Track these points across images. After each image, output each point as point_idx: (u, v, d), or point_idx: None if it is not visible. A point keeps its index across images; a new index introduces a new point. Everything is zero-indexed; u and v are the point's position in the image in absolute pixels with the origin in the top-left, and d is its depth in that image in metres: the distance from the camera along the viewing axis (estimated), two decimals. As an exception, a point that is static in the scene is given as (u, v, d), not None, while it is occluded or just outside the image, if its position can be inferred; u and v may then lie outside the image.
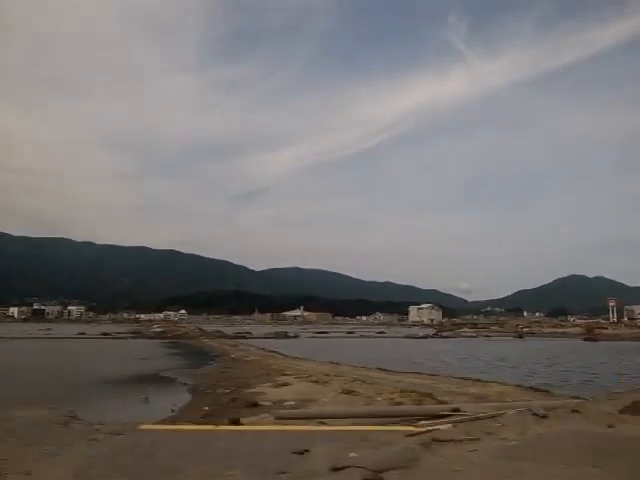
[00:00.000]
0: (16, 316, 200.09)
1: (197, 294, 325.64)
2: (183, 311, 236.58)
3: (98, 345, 58.83)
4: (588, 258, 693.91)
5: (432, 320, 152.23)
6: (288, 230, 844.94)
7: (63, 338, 68.00)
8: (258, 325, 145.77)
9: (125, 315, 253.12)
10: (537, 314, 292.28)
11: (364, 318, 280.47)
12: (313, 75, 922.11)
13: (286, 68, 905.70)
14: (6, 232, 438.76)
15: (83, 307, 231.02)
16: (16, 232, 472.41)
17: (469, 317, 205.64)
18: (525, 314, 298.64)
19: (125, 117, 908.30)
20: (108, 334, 76.40)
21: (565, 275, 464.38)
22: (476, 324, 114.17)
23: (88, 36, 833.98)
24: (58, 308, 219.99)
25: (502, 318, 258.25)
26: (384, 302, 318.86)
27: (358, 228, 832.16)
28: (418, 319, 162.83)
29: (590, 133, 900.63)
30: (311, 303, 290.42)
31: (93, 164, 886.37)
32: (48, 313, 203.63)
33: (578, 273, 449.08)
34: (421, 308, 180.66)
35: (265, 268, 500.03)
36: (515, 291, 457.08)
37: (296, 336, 79.47)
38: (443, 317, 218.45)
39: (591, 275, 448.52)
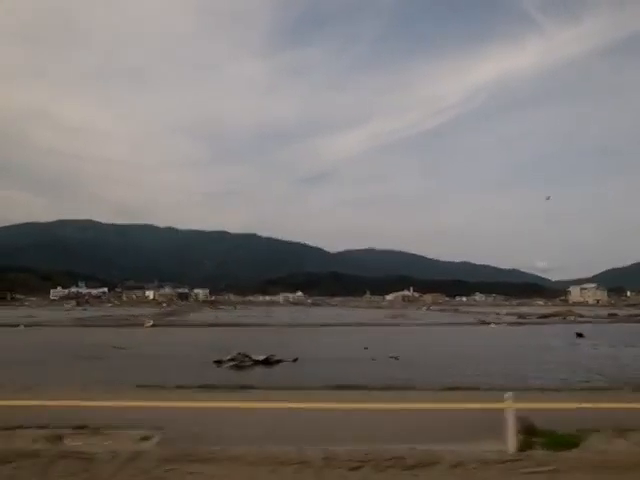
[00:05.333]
0: (151, 297, 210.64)
1: (290, 276, 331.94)
2: (300, 293, 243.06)
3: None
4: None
5: (598, 301, 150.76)
6: (359, 211, 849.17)
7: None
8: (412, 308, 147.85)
9: (232, 297, 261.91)
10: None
11: (464, 299, 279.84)
12: (380, 54, 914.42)
13: (353, 48, 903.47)
14: (98, 220, 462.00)
15: (207, 290, 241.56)
16: (105, 220, 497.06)
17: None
18: (628, 294, 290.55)
19: (198, 105, 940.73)
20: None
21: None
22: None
23: (162, 29, 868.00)
24: (186, 291, 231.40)
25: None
26: (480, 282, 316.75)
27: (430, 208, 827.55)
28: (582, 299, 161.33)
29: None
30: (405, 283, 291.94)
31: (170, 152, 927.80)
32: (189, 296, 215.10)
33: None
34: (585, 288, 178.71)
35: (340, 250, 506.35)
36: (603, 269, 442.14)
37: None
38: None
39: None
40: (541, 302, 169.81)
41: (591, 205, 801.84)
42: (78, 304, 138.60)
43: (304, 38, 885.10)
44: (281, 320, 62.78)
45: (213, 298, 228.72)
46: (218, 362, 20.12)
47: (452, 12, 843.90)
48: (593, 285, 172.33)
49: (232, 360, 19.79)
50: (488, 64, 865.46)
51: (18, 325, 42.43)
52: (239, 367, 19.50)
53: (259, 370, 19.39)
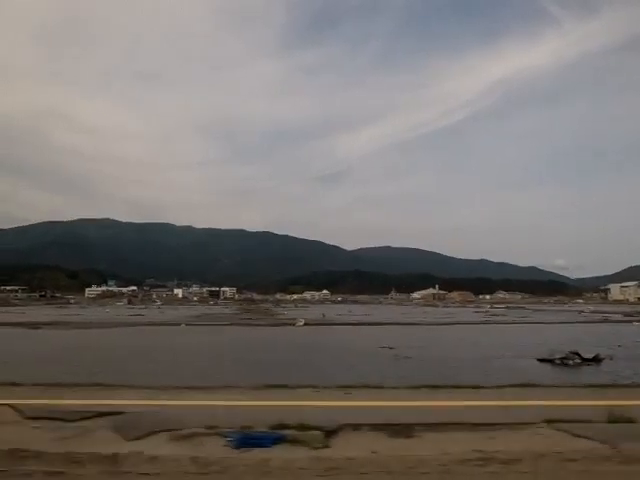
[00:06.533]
0: (180, 296, 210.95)
1: (312, 274, 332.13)
2: (325, 291, 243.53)
3: None
4: None
5: (639, 299, 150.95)
6: (375, 209, 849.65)
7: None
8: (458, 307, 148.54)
9: (255, 295, 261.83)
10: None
11: (487, 297, 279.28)
12: (396, 52, 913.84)
13: (367, 47, 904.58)
14: (116, 219, 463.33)
15: (235, 288, 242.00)
16: (124, 218, 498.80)
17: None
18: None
19: (214, 105, 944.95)
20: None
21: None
22: None
23: (179, 29, 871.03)
24: (217, 289, 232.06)
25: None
26: (502, 280, 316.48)
27: (446, 205, 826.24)
28: (622, 297, 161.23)
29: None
30: (427, 281, 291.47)
31: (186, 152, 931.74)
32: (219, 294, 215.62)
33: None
34: (625, 286, 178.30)
35: (355, 247, 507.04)
36: (622, 268, 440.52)
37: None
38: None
39: None
40: (581, 300, 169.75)
41: (607, 202, 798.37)
42: (129, 302, 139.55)
43: (319, 37, 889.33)
44: (378, 319, 62.52)
45: (236, 296, 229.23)
46: (543, 360, 20.44)
47: (467, 8, 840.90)
48: (634, 283, 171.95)
49: (565, 358, 20.11)
50: (504, 60, 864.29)
51: (180, 324, 42.88)
52: (577, 365, 19.83)
53: (591, 369, 19.69)
